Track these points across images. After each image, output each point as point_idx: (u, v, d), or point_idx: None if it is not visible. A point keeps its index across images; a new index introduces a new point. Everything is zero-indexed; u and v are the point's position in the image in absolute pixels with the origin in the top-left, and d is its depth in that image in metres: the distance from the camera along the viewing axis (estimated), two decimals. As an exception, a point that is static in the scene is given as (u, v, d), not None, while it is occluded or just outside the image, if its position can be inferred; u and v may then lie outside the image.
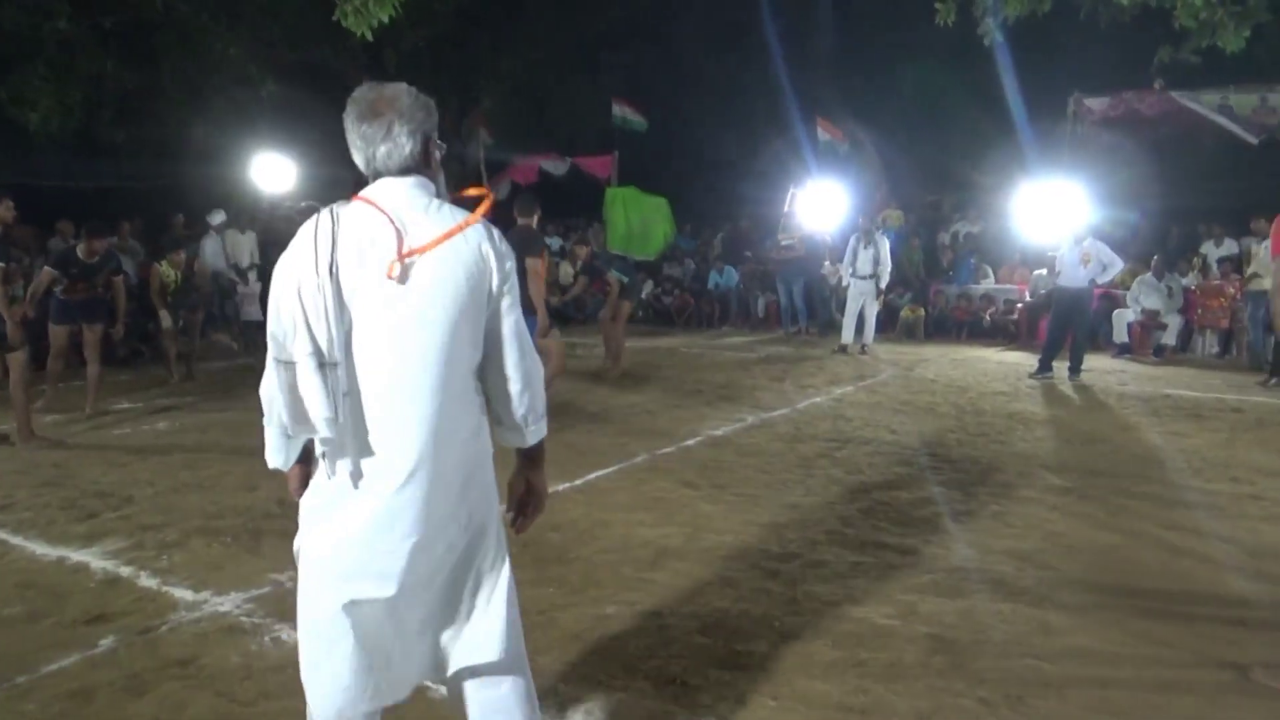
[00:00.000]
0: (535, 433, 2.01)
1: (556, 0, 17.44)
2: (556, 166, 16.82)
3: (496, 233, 1.92)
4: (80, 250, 7.39)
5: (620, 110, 16.02)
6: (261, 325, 2.41)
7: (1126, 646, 3.27)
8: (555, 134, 19.21)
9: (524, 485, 2.09)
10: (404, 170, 1.87)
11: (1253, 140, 11.22)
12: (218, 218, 11.56)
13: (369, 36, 8.11)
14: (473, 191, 2.07)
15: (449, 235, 1.81)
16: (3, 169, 11.58)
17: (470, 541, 1.93)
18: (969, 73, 15.00)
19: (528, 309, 6.81)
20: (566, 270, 11.86)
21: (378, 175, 1.88)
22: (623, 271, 9.69)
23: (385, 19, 8.09)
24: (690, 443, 6.54)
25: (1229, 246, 12.32)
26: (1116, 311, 11.66)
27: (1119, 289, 12.00)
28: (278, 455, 1.94)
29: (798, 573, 3.95)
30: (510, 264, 1.91)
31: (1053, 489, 5.36)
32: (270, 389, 1.83)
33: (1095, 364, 10.67)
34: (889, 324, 13.35)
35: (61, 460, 6.00)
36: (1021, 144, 13.64)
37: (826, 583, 3.83)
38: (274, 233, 11.93)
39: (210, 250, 11.19)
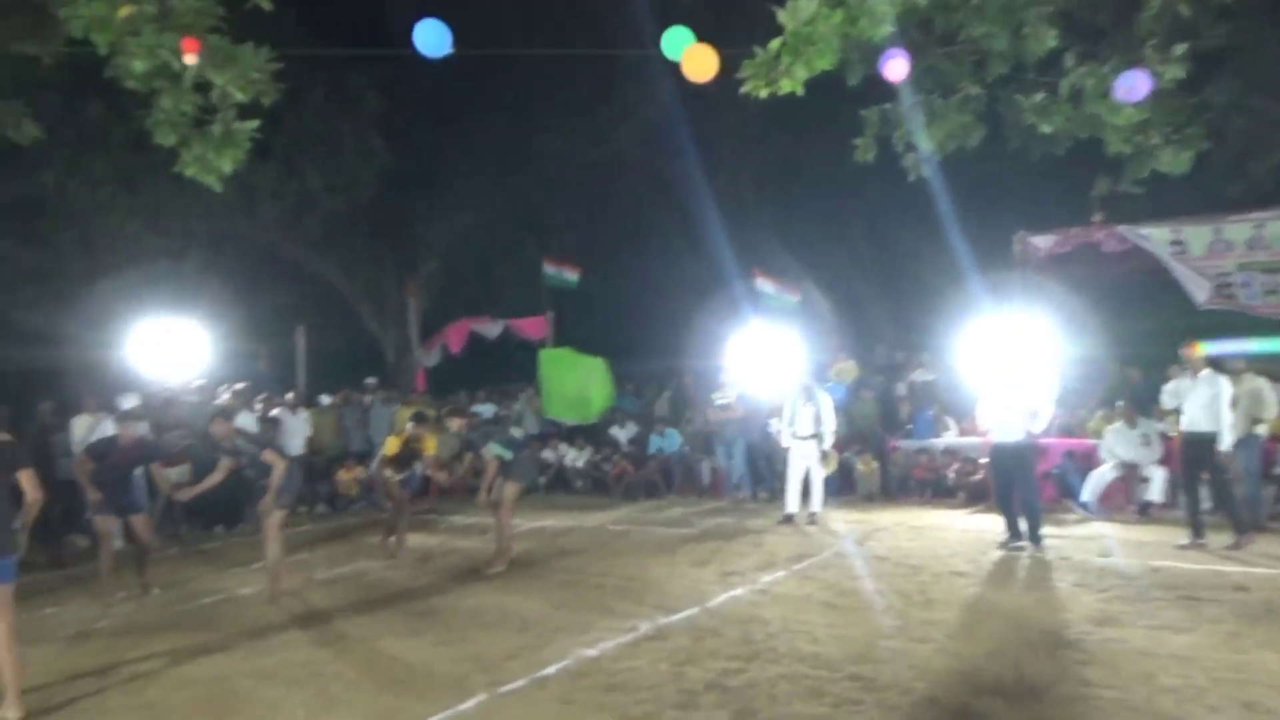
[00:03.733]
0: None
1: (492, 163, 17.01)
2: (489, 329, 15.92)
3: None
4: None
5: (550, 268, 15.27)
6: None
7: None
8: (498, 296, 18.43)
9: None
10: None
11: (1200, 299, 10.20)
12: (130, 401, 10.33)
13: (217, 187, 7.35)
14: None
15: None
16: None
17: None
18: (922, 215, 14.37)
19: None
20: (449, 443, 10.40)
21: None
22: (506, 446, 8.15)
23: (226, 168, 7.40)
24: (550, 670, 5.11)
25: (1209, 385, 11.11)
26: (1095, 472, 10.34)
27: (1093, 439, 10.78)
28: None
29: None
30: None
31: (1001, 737, 3.93)
32: None
33: (1073, 529, 9.34)
34: (847, 486, 12.02)
35: None
36: (975, 285, 12.80)
37: None
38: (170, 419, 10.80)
39: (79, 436, 9.95)
